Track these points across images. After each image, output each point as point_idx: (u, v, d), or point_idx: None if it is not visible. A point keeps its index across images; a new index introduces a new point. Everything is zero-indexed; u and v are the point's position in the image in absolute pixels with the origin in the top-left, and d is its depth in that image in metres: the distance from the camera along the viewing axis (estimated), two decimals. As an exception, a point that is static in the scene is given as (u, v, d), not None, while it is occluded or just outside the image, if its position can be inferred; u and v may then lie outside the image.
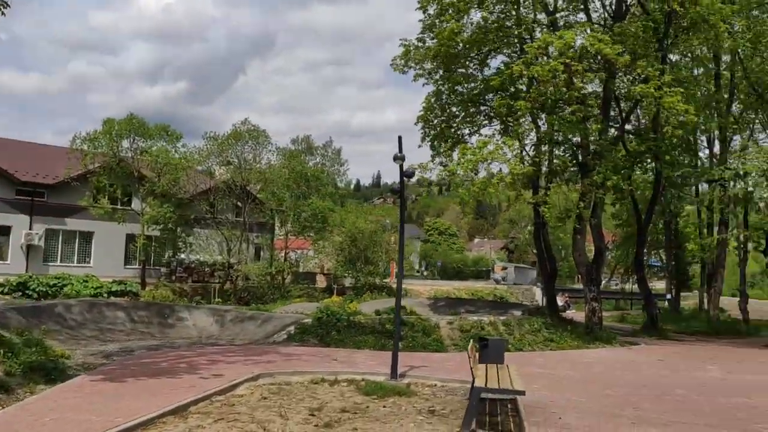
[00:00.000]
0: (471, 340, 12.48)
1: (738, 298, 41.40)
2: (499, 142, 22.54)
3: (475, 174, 22.56)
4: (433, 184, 25.97)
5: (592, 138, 22.81)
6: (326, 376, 12.48)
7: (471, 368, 9.83)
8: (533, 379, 13.24)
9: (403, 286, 56.00)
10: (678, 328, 33.52)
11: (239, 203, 40.47)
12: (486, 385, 9.12)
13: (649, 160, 26.09)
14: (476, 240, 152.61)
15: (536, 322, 21.18)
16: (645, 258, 54.70)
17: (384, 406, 10.13)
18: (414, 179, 25.71)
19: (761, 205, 34.71)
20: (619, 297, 58.37)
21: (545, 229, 28.36)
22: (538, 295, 55.69)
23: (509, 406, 10.44)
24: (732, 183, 27.11)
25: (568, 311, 53.17)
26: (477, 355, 11.50)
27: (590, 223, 24.38)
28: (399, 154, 12.43)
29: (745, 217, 37.16)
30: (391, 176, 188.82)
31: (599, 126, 23.00)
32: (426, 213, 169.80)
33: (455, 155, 24.61)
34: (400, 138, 12.59)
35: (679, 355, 19.84)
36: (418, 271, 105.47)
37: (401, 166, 12.54)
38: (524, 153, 25.36)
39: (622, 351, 20.44)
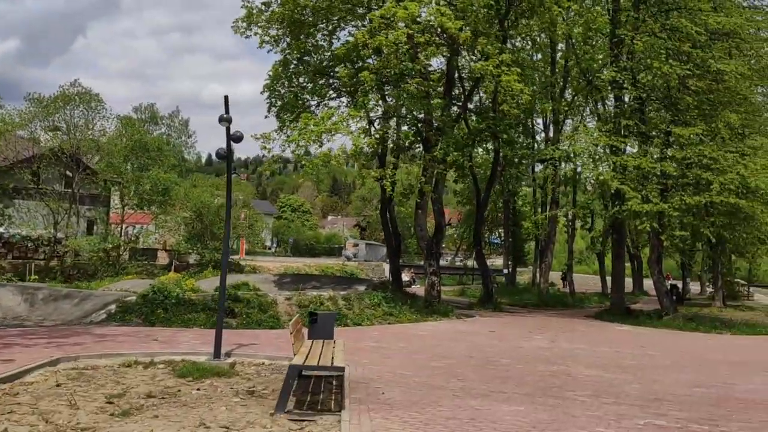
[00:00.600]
0: (297, 316, 11.87)
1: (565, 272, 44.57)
2: (344, 114, 22.07)
3: (320, 146, 21.98)
4: (276, 157, 24.99)
5: (436, 114, 22.95)
6: (141, 358, 11.33)
7: (292, 345, 9.21)
8: (365, 353, 12.95)
9: (253, 263, 54.42)
10: (512, 301, 35.37)
11: (69, 173, 36.91)
12: (305, 362, 8.54)
13: (488, 139, 26.86)
14: (330, 217, 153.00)
15: (376, 297, 21.09)
16: (486, 235, 57.46)
17: (198, 389, 9.25)
18: (270, 154, 24.69)
19: (588, 185, 37.40)
20: (462, 272, 60.74)
21: (391, 205, 28.51)
22: (388, 271, 56.61)
23: (334, 382, 9.97)
24: (563, 164, 28.76)
25: (413, 286, 54.55)
26: (303, 330, 10.92)
27: (432, 199, 24.70)
28: (225, 116, 11.44)
29: (573, 196, 39.89)
30: (245, 151, 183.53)
31: (442, 102, 23.19)
32: (281, 190, 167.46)
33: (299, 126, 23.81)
34: (226, 98, 11.60)
35: (510, 326, 20.65)
36: (269, 248, 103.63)
37: (228, 129, 11.56)
38: (371, 127, 25.15)
39: (458, 323, 20.91)
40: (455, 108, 25.94)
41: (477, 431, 7.26)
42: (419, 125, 23.94)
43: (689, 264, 51.73)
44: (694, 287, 58.51)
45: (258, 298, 18.75)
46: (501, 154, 31.26)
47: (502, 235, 53.24)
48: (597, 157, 24.97)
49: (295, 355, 9.01)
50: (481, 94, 31.51)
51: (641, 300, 44.42)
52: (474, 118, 27.20)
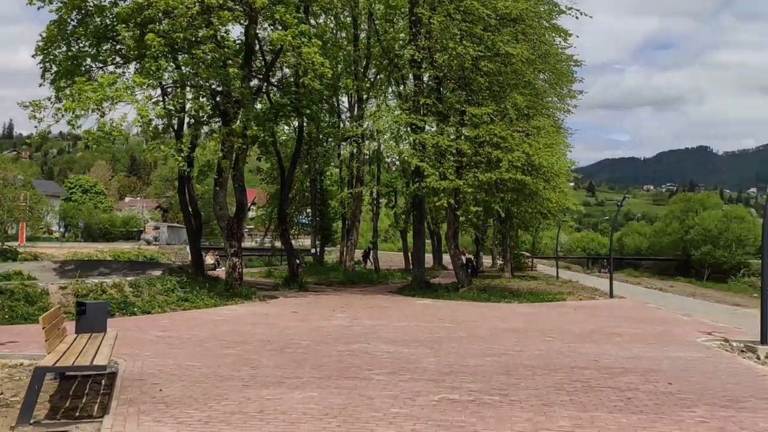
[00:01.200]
0: (54, 308, 10.21)
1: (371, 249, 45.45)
2: (129, 81, 19.92)
3: (102, 116, 19.65)
4: (49, 129, 21.95)
5: (234, 85, 21.58)
6: None
7: (45, 342, 7.72)
8: (149, 344, 11.59)
9: (34, 250, 48.54)
10: (319, 280, 35.15)
11: None
12: (58, 361, 7.16)
13: (292, 115, 26.05)
14: (128, 199, 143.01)
15: (170, 282, 19.45)
16: (294, 215, 56.85)
17: None
18: (41, 125, 21.55)
19: (391, 163, 38.29)
20: (270, 254, 59.68)
21: (190, 183, 26.60)
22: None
23: (103, 382, 8.63)
24: (367, 142, 28.91)
25: (218, 269, 52.49)
26: (66, 324, 9.36)
27: (232, 176, 23.39)
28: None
29: (378, 174, 40.63)
30: (27, 127, 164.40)
31: (240, 72, 21.89)
32: (70, 169, 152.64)
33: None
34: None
35: (313, 306, 20.19)
36: (57, 234, 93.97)
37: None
38: (165, 98, 23.12)
39: (259, 306, 20.00)
40: (256, 81, 24.77)
41: (263, 425, 6.49)
42: (217, 97, 22.41)
43: (482, 239, 55.51)
44: (487, 261, 63.12)
45: (24, 289, 16.26)
46: (306, 131, 30.76)
47: (310, 214, 52.97)
48: (398, 135, 25.32)
49: (48, 353, 7.56)
50: (286, 70, 30.62)
51: (440, 274, 46.75)
52: (276, 92, 26.19)
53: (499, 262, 60.33)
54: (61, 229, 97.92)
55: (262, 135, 23.31)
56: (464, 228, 41.71)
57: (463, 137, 23.88)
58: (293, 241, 68.03)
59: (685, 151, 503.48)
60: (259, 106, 26.40)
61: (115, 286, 17.63)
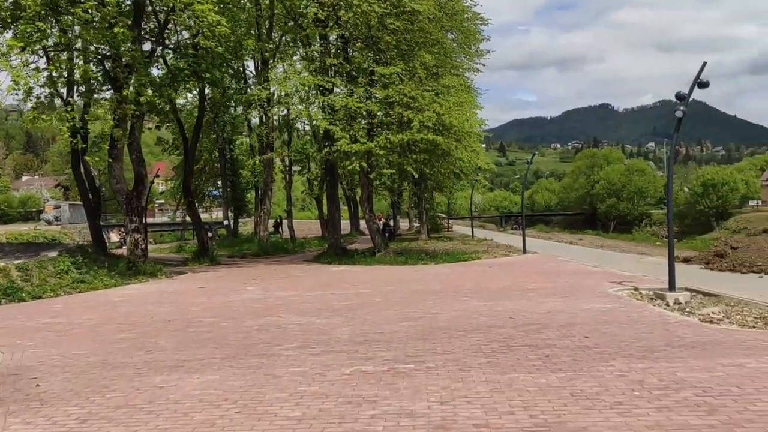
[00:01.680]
0: None
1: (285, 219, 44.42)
2: (2, 47, 17.99)
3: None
4: None
5: (124, 48, 19.93)
6: None
7: None
8: (34, 333, 10.49)
9: None
10: (232, 252, 34.02)
11: None
12: None
13: (191, 79, 24.50)
14: (25, 178, 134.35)
15: (63, 263, 18.01)
16: (205, 187, 54.84)
17: None
18: None
19: (302, 128, 37.22)
20: (181, 228, 57.53)
21: (83, 157, 24.71)
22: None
23: (-29, 381, 7.60)
24: (275, 107, 27.66)
25: (124, 246, 50.09)
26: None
27: (128, 146, 21.84)
28: None
29: (288, 140, 39.44)
30: None
31: (129, 34, 20.21)
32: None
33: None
34: None
35: (223, 279, 19.26)
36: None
37: None
38: (50, 63, 21.15)
39: (165, 283, 18.87)
40: (149, 44, 23.09)
41: (151, 419, 5.76)
42: (106, 62, 20.68)
43: (398, 202, 55.51)
44: (404, 224, 63.41)
45: None
46: (210, 97, 29.21)
47: (221, 185, 51.17)
48: (307, 98, 24.36)
49: None
50: (184, 33, 28.77)
51: (358, 239, 46.44)
52: (173, 56, 24.55)
53: (416, 224, 60.70)
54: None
55: (159, 102, 21.79)
56: (379, 192, 41.41)
57: (373, 98, 23.21)
58: (205, 214, 66.07)
59: (588, 109, 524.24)
60: (156, 72, 24.78)
61: (0, 272, 16.09)
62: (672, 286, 13.06)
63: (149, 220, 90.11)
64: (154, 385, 6.94)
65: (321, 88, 23.07)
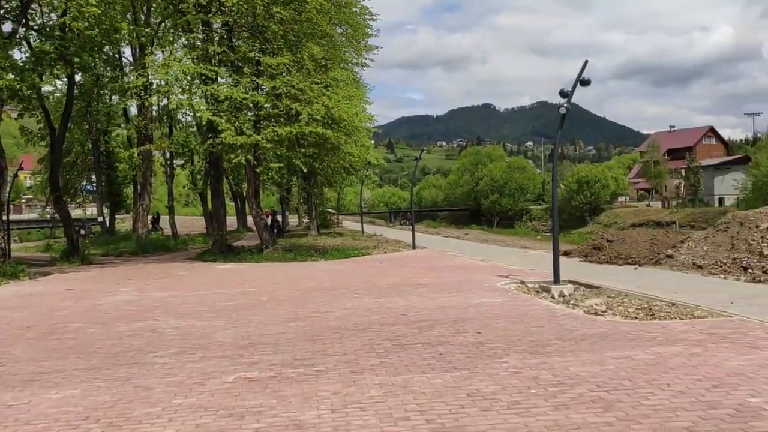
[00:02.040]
0: None
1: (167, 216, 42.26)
2: None
3: None
4: None
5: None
6: None
7: None
8: None
9: None
10: (107, 251, 31.88)
11: None
12: None
13: (58, 64, 22.50)
14: None
15: None
16: (79, 182, 51.17)
17: None
18: None
19: (184, 119, 35.40)
20: (50, 225, 53.41)
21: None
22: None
23: None
24: (155, 98, 25.97)
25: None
26: None
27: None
28: None
29: (170, 131, 37.47)
30: None
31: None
32: None
33: None
34: None
35: (94, 280, 17.77)
36: None
37: None
38: None
39: (28, 285, 17.14)
40: (10, 24, 20.98)
41: (-7, 448, 4.92)
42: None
43: (287, 198, 54.45)
44: (293, 220, 62.40)
45: None
46: (81, 83, 27.10)
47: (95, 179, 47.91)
48: (189, 88, 23.05)
49: None
50: (54, 16, 26.43)
51: (245, 236, 45.08)
52: (37, 37, 22.42)
53: (305, 221, 59.92)
54: None
55: (20, 87, 19.79)
56: (267, 187, 40.28)
57: (259, 89, 22.33)
58: (79, 211, 61.73)
59: (472, 108, 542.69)
60: (19, 55, 22.61)
61: None
62: (557, 279, 13.35)
63: (15, 216, 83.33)
64: (2, 404, 6.02)
65: (204, 78, 21.90)
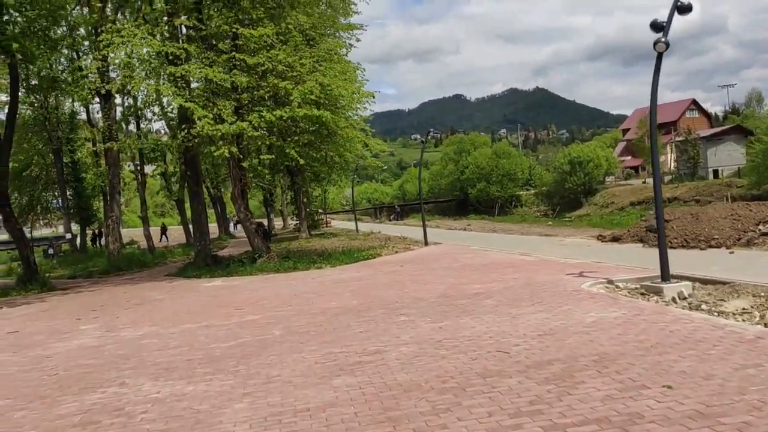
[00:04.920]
0: None
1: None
2: None
3: None
4: None
5: None
6: None
7: None
8: None
9: None
10: (75, 272, 28.02)
11: None
12: None
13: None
14: None
15: None
16: (44, 196, 46.91)
17: None
18: None
19: (151, 115, 31.44)
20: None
21: None
22: None
23: None
24: (116, 83, 21.97)
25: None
26: None
27: None
28: None
29: (137, 128, 33.52)
30: None
31: None
32: None
33: None
34: None
35: (50, 315, 13.95)
36: None
37: None
38: None
39: (-40, 328, 13.32)
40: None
41: None
42: None
43: (271, 199, 50.73)
44: (277, 223, 58.66)
45: None
46: (34, 84, 23.22)
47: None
48: (152, 70, 19.27)
49: None
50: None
51: (229, 243, 41.35)
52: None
53: (292, 222, 56.22)
54: None
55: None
56: (251, 187, 36.43)
57: (238, 68, 18.62)
58: (48, 229, 57.22)
59: (443, 100, 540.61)
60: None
61: None
62: (665, 276, 9.97)
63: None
64: None
65: (172, 57, 18.14)
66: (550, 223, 52.51)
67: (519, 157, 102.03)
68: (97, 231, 44.32)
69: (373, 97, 20.58)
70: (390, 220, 78.30)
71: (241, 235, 57.42)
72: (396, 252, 22.32)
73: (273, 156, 19.61)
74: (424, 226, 24.80)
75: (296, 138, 19.26)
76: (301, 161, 19.11)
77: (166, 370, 7.42)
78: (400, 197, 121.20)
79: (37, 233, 53.72)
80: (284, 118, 18.20)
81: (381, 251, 22.46)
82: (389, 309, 10.18)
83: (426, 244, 24.06)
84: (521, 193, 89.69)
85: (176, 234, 52.23)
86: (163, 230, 50.74)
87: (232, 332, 9.50)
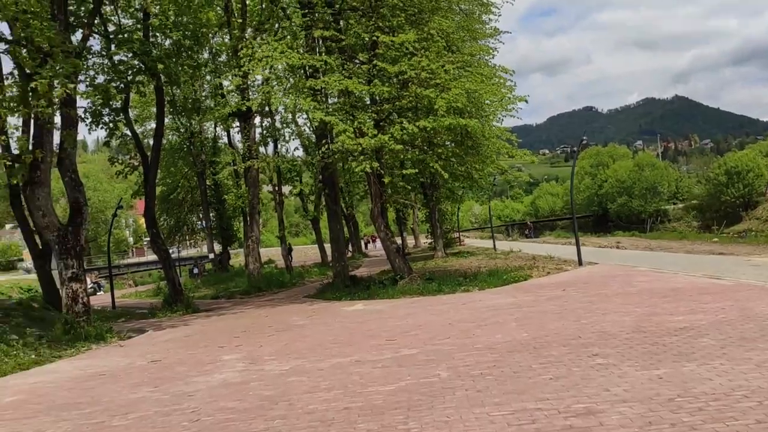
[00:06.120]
0: None
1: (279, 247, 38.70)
2: None
3: None
4: None
5: (36, 29, 14.31)
6: None
7: None
8: None
9: None
10: (217, 292, 28.38)
11: None
12: None
13: (143, 75, 18.88)
14: (8, 226, 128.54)
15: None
16: (191, 219, 49.13)
17: None
18: None
19: (288, 136, 31.49)
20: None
21: (28, 188, 18.95)
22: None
23: None
24: (257, 99, 21.72)
25: (99, 293, 44.17)
26: None
27: (61, 163, 16.22)
28: None
29: (275, 148, 33.73)
30: None
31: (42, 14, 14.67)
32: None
33: None
34: None
35: (192, 342, 13.37)
36: None
37: None
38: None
39: (105, 354, 12.99)
40: (80, 32, 17.52)
41: None
42: (15, 48, 14.97)
43: (404, 217, 49.93)
44: (410, 241, 57.75)
45: None
46: (172, 98, 23.67)
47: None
48: (291, 87, 18.72)
49: None
50: (129, 21, 23.16)
51: (362, 263, 40.83)
52: (114, 45, 18.94)
53: (425, 242, 55.07)
54: None
55: (96, 101, 16.19)
56: (389, 205, 35.52)
57: (378, 77, 17.60)
58: (194, 249, 59.98)
59: (573, 113, 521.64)
60: (106, 64, 19.29)
61: None
62: None
63: (137, 259, 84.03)
64: None
65: (310, 71, 17.47)
66: (716, 239, 47.52)
67: (665, 168, 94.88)
68: (289, 246, 45.53)
69: (526, 101, 18.78)
70: (526, 237, 75.26)
71: (373, 254, 57.14)
72: (548, 273, 20.24)
73: (416, 171, 18.35)
74: (578, 244, 22.48)
75: (439, 150, 17.87)
76: (445, 175, 17.65)
77: (322, 423, 6.12)
78: (532, 214, 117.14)
79: (184, 253, 56.47)
80: (427, 129, 16.88)
81: (531, 272, 20.47)
82: (573, 346, 8.37)
83: (580, 264, 21.76)
84: (667, 207, 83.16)
85: (300, 254, 52.73)
86: (289, 250, 51.02)
87: (389, 371, 8.12)
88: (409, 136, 17.06)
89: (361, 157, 16.92)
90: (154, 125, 27.29)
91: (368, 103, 18.27)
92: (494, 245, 38.93)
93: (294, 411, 6.68)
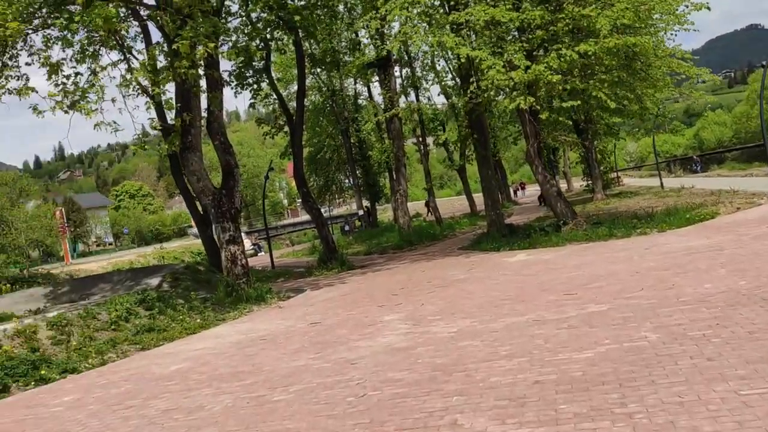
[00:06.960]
0: None
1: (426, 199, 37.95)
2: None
3: None
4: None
5: None
6: None
7: None
8: None
9: (78, 267, 43.61)
10: (369, 248, 28.15)
11: None
12: None
13: (282, 31, 18.44)
14: (178, 197, 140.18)
15: (120, 306, 12.47)
16: (339, 178, 49.73)
17: None
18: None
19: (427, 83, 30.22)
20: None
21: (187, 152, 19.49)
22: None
23: None
24: (394, 42, 20.65)
25: (260, 254, 46.12)
26: None
27: (209, 126, 16.29)
28: None
29: (416, 98, 32.65)
30: (77, 145, 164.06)
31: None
32: (124, 178, 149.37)
33: None
34: None
35: (350, 301, 12.82)
36: (101, 244, 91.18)
37: None
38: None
39: (267, 316, 12.79)
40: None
41: None
42: (157, 12, 14.89)
43: (555, 160, 47.19)
44: (562, 184, 54.71)
45: None
46: (308, 53, 23.24)
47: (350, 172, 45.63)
48: (432, 24, 17.31)
49: None
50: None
51: (513, 211, 39.06)
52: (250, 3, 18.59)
53: (580, 183, 51.86)
54: (107, 239, 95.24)
55: (237, 60, 15.93)
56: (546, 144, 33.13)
57: (529, 2, 15.76)
58: (343, 208, 61.11)
59: (734, 34, 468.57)
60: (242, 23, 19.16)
61: (20, 334, 10.71)
62: None
63: (293, 220, 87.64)
64: None
65: (451, 3, 16.00)
66: None
67: None
68: (427, 201, 45.36)
69: (708, 8, 15.95)
70: (692, 172, 68.79)
71: (522, 201, 54.89)
72: (738, 209, 17.59)
73: (578, 102, 16.42)
74: (772, 174, 19.36)
75: (603, 77, 15.76)
76: (612, 104, 15.57)
77: (511, 402, 5.01)
78: (696, 147, 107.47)
79: (335, 212, 57.68)
80: (588, 54, 14.88)
81: (716, 209, 17.90)
82: (821, 297, 6.57)
83: (775, 196, 18.76)
84: None
85: (447, 205, 51.56)
86: (428, 204, 50.12)
87: (579, 333, 6.83)
88: (567, 65, 15.17)
89: (514, 93, 15.33)
90: (296, 87, 27.27)
91: (516, 34, 16.50)
92: (661, 182, 35.41)
93: (473, 385, 5.63)
